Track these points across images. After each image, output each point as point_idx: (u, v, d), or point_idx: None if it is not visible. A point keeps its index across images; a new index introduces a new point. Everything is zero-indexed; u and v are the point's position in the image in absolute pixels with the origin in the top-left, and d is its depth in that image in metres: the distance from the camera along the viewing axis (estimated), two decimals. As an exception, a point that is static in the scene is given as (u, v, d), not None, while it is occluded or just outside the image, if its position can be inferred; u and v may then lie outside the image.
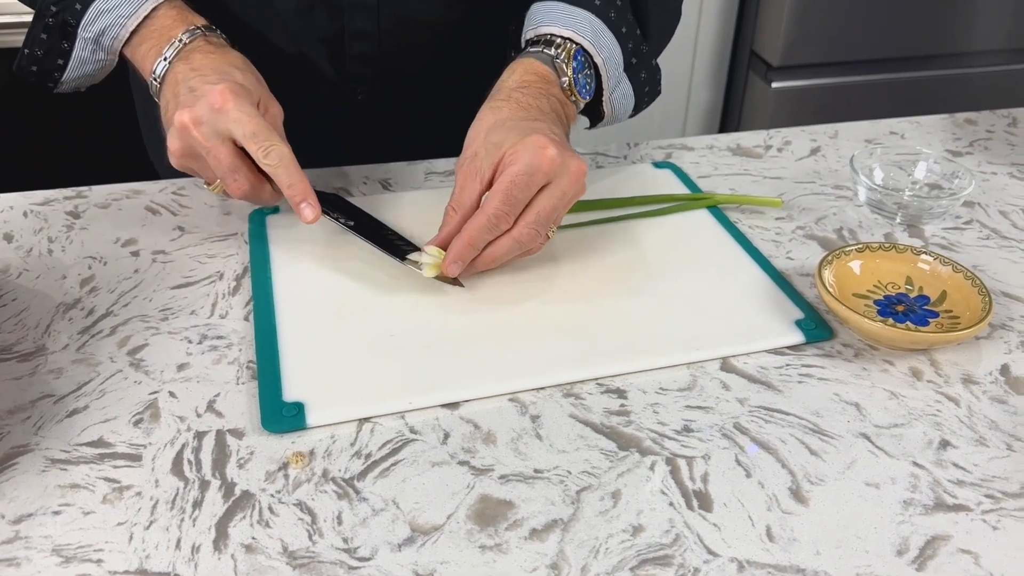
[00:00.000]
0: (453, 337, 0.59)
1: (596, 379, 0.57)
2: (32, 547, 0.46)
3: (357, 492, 0.49)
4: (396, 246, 0.66)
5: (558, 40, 0.68)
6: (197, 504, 0.48)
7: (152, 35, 0.67)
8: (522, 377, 0.56)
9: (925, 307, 0.62)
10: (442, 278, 0.62)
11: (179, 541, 0.46)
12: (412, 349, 0.58)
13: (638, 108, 0.78)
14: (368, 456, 0.51)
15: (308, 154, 0.83)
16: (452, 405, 0.55)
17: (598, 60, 0.69)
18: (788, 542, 0.47)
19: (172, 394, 0.55)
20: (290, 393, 0.54)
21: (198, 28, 0.67)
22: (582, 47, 0.69)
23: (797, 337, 0.60)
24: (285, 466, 0.50)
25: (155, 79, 0.66)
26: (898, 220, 0.75)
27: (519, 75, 0.68)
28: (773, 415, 0.55)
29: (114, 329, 0.61)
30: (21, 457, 0.51)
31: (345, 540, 0.46)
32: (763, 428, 0.54)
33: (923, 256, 0.65)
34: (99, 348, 0.59)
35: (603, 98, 0.72)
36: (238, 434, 0.52)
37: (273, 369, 0.56)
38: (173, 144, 0.63)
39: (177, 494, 0.49)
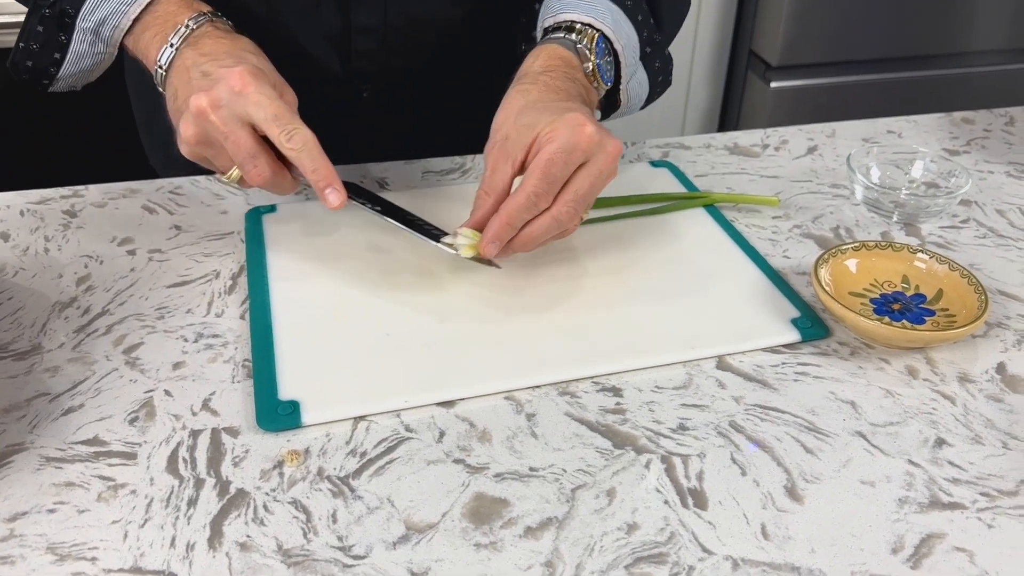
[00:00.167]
0: (449, 336, 0.59)
1: (592, 377, 0.57)
2: (27, 545, 0.46)
3: (352, 490, 0.49)
4: (426, 230, 0.65)
5: (579, 26, 0.68)
6: (192, 502, 0.48)
7: (156, 22, 0.65)
8: (518, 375, 0.56)
9: (921, 305, 0.62)
10: (478, 259, 0.61)
11: (174, 539, 0.46)
12: (408, 348, 0.58)
13: (650, 98, 0.77)
14: (363, 454, 0.51)
15: (350, 147, 0.83)
16: (448, 403, 0.55)
17: (618, 47, 0.69)
18: (783, 540, 0.47)
19: (167, 392, 0.55)
20: (285, 391, 0.54)
21: (204, 14, 0.64)
22: (603, 33, 0.68)
23: (793, 335, 0.60)
24: (280, 464, 0.50)
25: (160, 67, 0.63)
26: (895, 219, 0.75)
27: (543, 60, 0.67)
28: (769, 413, 0.55)
29: (110, 328, 0.61)
30: (16, 455, 0.51)
31: (340, 538, 0.46)
32: (759, 426, 0.53)
33: (919, 255, 0.65)
34: (95, 347, 0.59)
35: (620, 86, 0.71)
36: (233, 432, 0.52)
37: (268, 367, 0.56)
38: (187, 130, 0.60)
39: (172, 492, 0.49)
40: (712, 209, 0.74)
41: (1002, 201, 0.79)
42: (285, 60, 0.66)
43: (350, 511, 0.48)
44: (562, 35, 0.68)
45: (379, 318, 0.61)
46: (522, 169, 0.60)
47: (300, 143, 0.59)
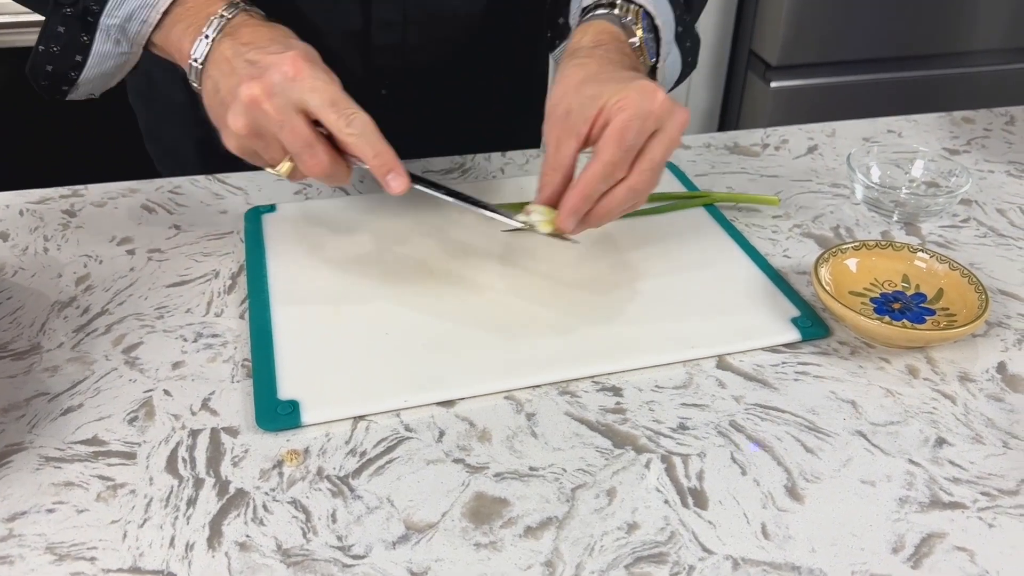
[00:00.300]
0: (449, 335, 0.59)
1: (592, 377, 0.57)
2: (25, 545, 0.45)
3: (352, 490, 0.49)
4: (495, 210, 0.63)
5: (619, 2, 0.67)
6: (191, 502, 0.48)
7: (186, 15, 0.61)
8: (518, 375, 0.56)
9: (922, 305, 0.62)
10: (555, 234, 0.60)
11: (173, 539, 0.46)
12: (408, 347, 0.58)
13: (679, 79, 0.77)
14: (363, 454, 0.51)
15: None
16: (447, 403, 0.55)
17: (659, 23, 0.68)
18: (783, 540, 0.46)
19: (167, 392, 0.55)
20: (285, 391, 0.54)
21: (236, 3, 0.61)
22: (645, 9, 0.67)
23: (793, 335, 0.60)
24: (279, 464, 0.50)
25: (195, 61, 0.60)
26: (895, 218, 0.74)
27: (592, 35, 0.66)
28: (769, 413, 0.54)
29: (109, 327, 0.61)
30: (15, 455, 0.51)
31: (339, 538, 0.46)
32: (759, 426, 0.53)
33: (919, 254, 0.64)
34: (94, 346, 0.59)
35: (658, 64, 0.71)
36: (233, 432, 0.52)
37: (268, 367, 0.56)
38: (237, 122, 0.56)
39: (171, 492, 0.49)
40: (712, 208, 0.74)
41: (1002, 200, 0.78)
42: None
43: (350, 511, 0.48)
44: (606, 11, 0.67)
45: (379, 318, 0.61)
46: (586, 143, 0.59)
47: (360, 127, 0.56)
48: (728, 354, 0.59)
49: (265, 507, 0.48)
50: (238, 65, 0.58)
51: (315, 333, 0.59)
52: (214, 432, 0.52)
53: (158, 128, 0.92)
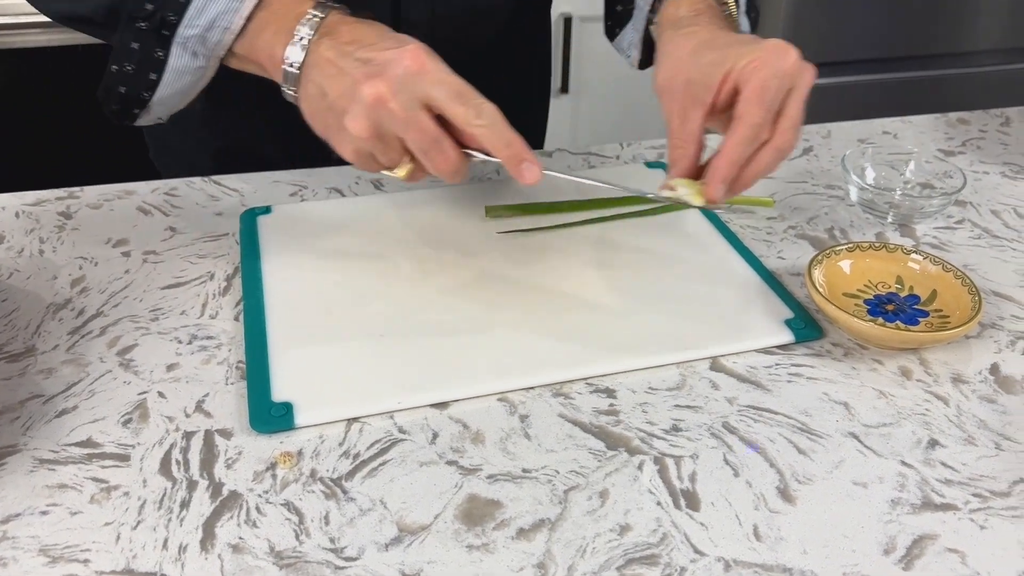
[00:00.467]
0: (443, 337, 0.59)
1: (585, 379, 0.57)
2: (19, 547, 0.46)
3: (345, 492, 0.49)
4: (633, 190, 0.62)
5: None
6: (185, 504, 0.48)
7: (274, 19, 0.58)
8: (512, 377, 0.56)
9: (915, 306, 0.62)
10: (705, 206, 0.59)
11: (166, 541, 0.46)
12: (402, 349, 0.58)
13: None
14: (356, 456, 0.51)
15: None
16: (441, 405, 0.55)
17: None
18: (775, 541, 0.47)
19: (161, 394, 0.55)
20: (279, 393, 0.54)
21: (322, 2, 0.58)
22: None
23: (787, 336, 0.60)
24: (273, 466, 0.50)
25: (291, 66, 0.57)
26: (889, 219, 0.75)
27: (687, 6, 0.65)
28: (762, 414, 0.55)
29: (104, 329, 0.61)
30: (9, 457, 0.51)
31: (332, 540, 0.46)
32: (751, 427, 0.54)
33: (913, 255, 0.65)
34: (89, 348, 0.59)
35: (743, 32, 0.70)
36: (226, 434, 0.52)
37: (262, 369, 0.56)
38: (358, 125, 0.54)
39: (165, 494, 0.49)
40: (706, 210, 0.74)
41: (997, 202, 0.79)
42: None
43: (342, 513, 0.48)
44: None
45: (373, 319, 0.61)
46: (712, 110, 0.58)
47: (490, 117, 0.53)
48: (722, 355, 0.59)
49: (258, 509, 0.48)
50: (347, 65, 0.55)
51: (309, 335, 0.59)
52: (208, 434, 0.52)
53: (170, 138, 0.90)
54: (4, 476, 0.50)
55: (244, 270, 0.65)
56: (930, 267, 0.64)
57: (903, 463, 0.51)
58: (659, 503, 0.49)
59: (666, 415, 0.54)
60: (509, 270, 0.66)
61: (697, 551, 0.46)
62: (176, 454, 0.51)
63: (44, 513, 0.48)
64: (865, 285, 0.64)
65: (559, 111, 1.83)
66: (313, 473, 0.50)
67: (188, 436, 0.52)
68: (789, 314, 0.62)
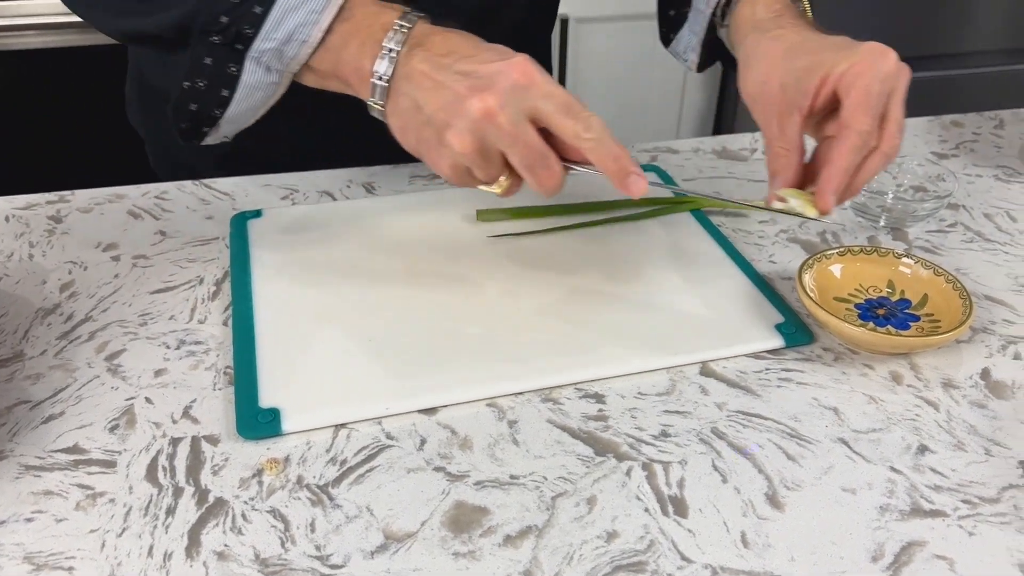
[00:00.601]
0: (432, 342, 0.59)
1: (575, 384, 0.57)
2: (4, 555, 0.45)
3: (331, 499, 0.49)
4: (743, 202, 0.63)
5: None
6: (170, 511, 0.48)
7: (358, 31, 0.56)
8: (500, 382, 0.56)
9: (906, 311, 0.62)
10: (821, 217, 0.58)
11: (151, 548, 0.46)
12: (391, 354, 0.58)
13: None
14: (343, 462, 0.51)
15: (333, 152, 0.81)
16: (430, 410, 0.55)
17: None
18: (763, 548, 0.46)
19: (148, 400, 0.55)
20: (266, 399, 0.54)
21: (408, 12, 0.56)
22: None
23: (777, 341, 0.60)
24: (259, 473, 0.50)
25: (380, 79, 0.55)
26: (882, 223, 0.74)
27: (764, 6, 0.64)
28: (751, 420, 0.54)
29: (92, 334, 0.60)
30: (-5, 464, 0.51)
31: (318, 547, 0.46)
32: (741, 433, 0.53)
33: (904, 260, 0.64)
34: (77, 354, 0.59)
35: None
36: (213, 440, 0.52)
37: (250, 375, 0.56)
38: (463, 140, 0.52)
39: (151, 501, 0.49)
40: (699, 214, 0.74)
41: (990, 205, 0.78)
42: None
43: (328, 520, 0.47)
44: None
45: (362, 325, 0.60)
46: (809, 115, 0.58)
47: (598, 131, 0.52)
48: (712, 360, 0.59)
49: (244, 516, 0.48)
50: (447, 78, 0.53)
51: (298, 340, 0.59)
52: (195, 440, 0.52)
53: (174, 146, 0.90)
54: (-11, 483, 0.49)
55: (233, 274, 0.65)
56: (921, 271, 0.64)
57: (892, 469, 0.51)
58: (647, 509, 0.48)
59: (655, 421, 0.54)
60: (499, 274, 0.66)
61: (684, 558, 0.46)
62: (163, 460, 0.51)
63: (29, 520, 0.47)
64: (856, 289, 0.64)
65: (555, 113, 1.83)
66: (300, 480, 0.50)
67: (175, 442, 0.52)
68: (780, 319, 0.62)
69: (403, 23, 0.55)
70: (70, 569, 0.45)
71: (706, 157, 0.85)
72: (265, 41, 0.57)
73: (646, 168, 0.82)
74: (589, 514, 0.48)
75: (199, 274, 0.67)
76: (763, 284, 0.65)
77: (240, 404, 0.54)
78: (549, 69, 0.99)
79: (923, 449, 0.53)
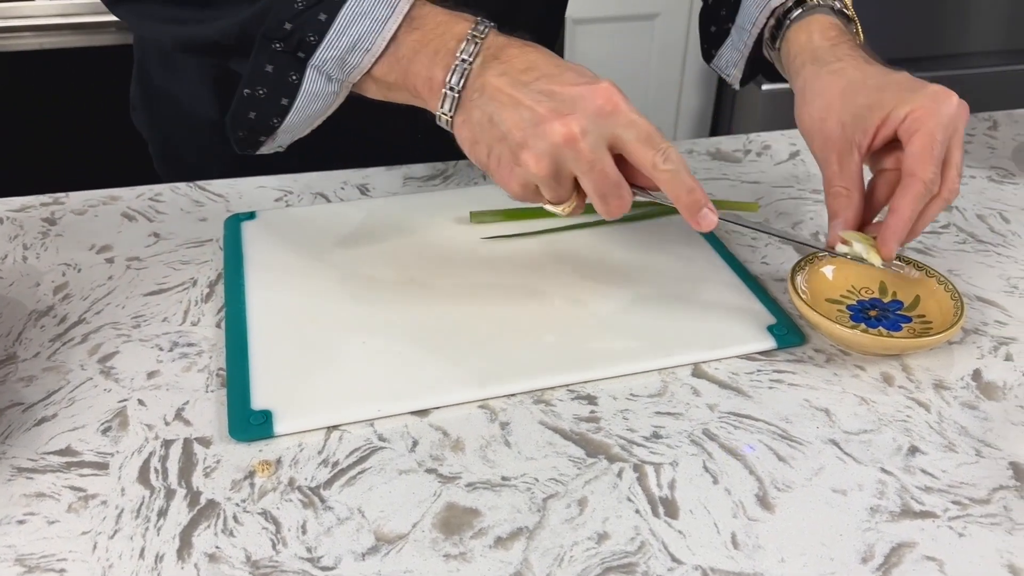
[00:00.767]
0: (425, 344, 0.59)
1: (567, 385, 0.57)
2: (-5, 557, 0.46)
3: (323, 501, 0.49)
4: (806, 242, 0.63)
5: None
6: (162, 513, 0.48)
7: (429, 41, 0.55)
8: (493, 384, 0.56)
9: (898, 312, 0.62)
10: (883, 264, 0.59)
11: (143, 550, 0.46)
12: (383, 356, 0.58)
13: None
14: (335, 464, 0.51)
15: (328, 154, 0.81)
16: (421, 412, 0.55)
17: (851, 12, 0.67)
18: (753, 549, 0.46)
19: (141, 402, 0.55)
20: (258, 401, 0.54)
21: (480, 21, 0.55)
22: None
23: (769, 343, 0.60)
24: (251, 475, 0.50)
25: (451, 89, 0.54)
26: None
27: (819, 34, 0.64)
28: (742, 421, 0.54)
29: (86, 336, 0.61)
30: (-13, 466, 0.51)
31: (309, 549, 0.46)
32: (732, 434, 0.53)
33: (896, 261, 0.64)
34: (70, 356, 0.59)
35: None
36: (205, 442, 0.52)
37: (242, 377, 0.56)
38: (539, 164, 0.51)
39: (143, 503, 0.49)
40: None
41: (983, 206, 0.79)
42: None
43: (320, 522, 0.48)
44: (817, 1, 0.65)
45: (355, 327, 0.61)
46: (868, 151, 0.59)
47: (676, 163, 0.52)
48: (704, 362, 0.59)
49: (235, 518, 0.48)
50: (526, 97, 0.51)
51: (291, 342, 0.59)
52: (187, 442, 0.52)
53: (181, 149, 0.90)
54: (-19, 485, 0.50)
55: (227, 276, 0.65)
56: (913, 273, 0.64)
57: (883, 470, 0.51)
58: (638, 511, 0.49)
59: (647, 422, 0.54)
60: (493, 276, 0.66)
61: (675, 559, 0.46)
62: (155, 462, 0.51)
63: (21, 522, 0.47)
64: (848, 291, 0.64)
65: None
66: (291, 482, 0.50)
67: (167, 444, 0.52)
68: (772, 320, 0.62)
69: (476, 33, 0.54)
70: (62, 571, 0.45)
71: (700, 159, 0.85)
72: (328, 49, 0.56)
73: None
74: (580, 515, 0.48)
75: (193, 276, 0.67)
76: (755, 285, 0.66)
77: (232, 406, 0.54)
78: None
79: (914, 450, 0.53)
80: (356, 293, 0.64)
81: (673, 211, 0.75)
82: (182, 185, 0.79)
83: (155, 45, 0.85)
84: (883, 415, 0.55)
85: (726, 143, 0.88)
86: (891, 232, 0.57)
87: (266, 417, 0.53)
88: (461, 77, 0.53)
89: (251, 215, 0.73)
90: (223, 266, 0.67)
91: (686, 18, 1.89)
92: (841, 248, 0.60)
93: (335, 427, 0.53)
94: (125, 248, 0.70)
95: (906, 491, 0.50)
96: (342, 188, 0.79)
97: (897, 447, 0.53)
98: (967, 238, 0.74)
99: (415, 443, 0.53)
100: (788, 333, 0.61)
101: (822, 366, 0.59)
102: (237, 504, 0.49)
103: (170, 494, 0.49)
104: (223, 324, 0.61)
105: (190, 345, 0.60)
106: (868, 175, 0.62)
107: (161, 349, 0.59)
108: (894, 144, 0.59)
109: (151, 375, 0.57)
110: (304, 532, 0.47)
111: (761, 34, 0.70)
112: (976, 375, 0.59)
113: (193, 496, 0.49)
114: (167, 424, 0.54)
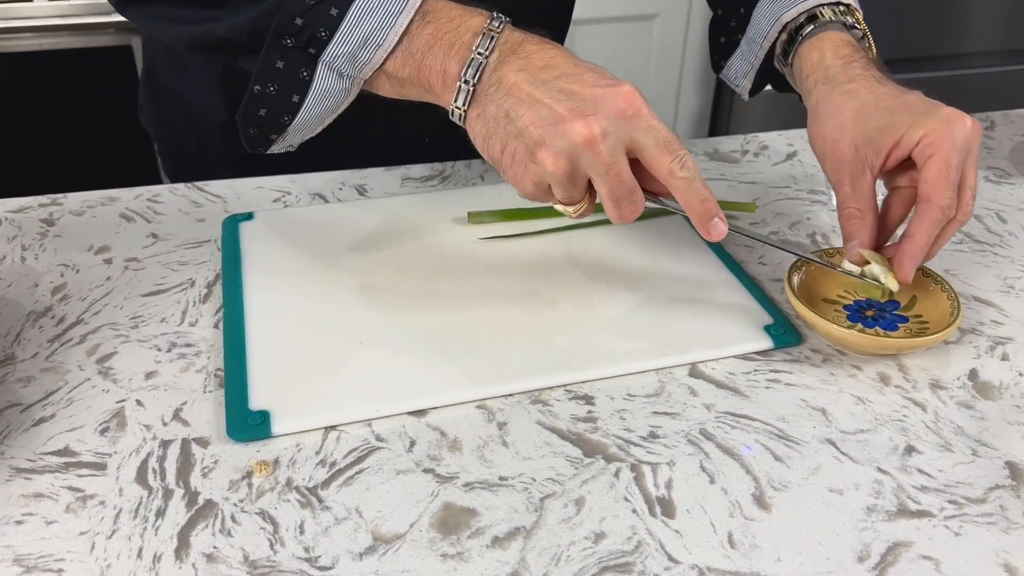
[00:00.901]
0: (422, 344, 0.59)
1: (564, 385, 0.57)
2: (-7, 557, 0.46)
3: (320, 501, 0.49)
4: (822, 261, 0.63)
5: (841, 7, 0.65)
6: (160, 513, 0.48)
7: (443, 35, 0.54)
8: (490, 384, 0.56)
9: (895, 312, 0.62)
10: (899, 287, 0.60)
11: (141, 550, 0.46)
12: (381, 357, 0.58)
13: None
14: (333, 464, 0.51)
15: (326, 154, 0.81)
16: (419, 412, 0.55)
17: (863, 27, 0.67)
18: (749, 548, 0.47)
19: (139, 402, 0.55)
20: (256, 401, 0.54)
21: (496, 16, 0.54)
22: (853, 6, 0.66)
23: (766, 343, 0.60)
24: (249, 475, 0.50)
25: (466, 83, 0.53)
26: (872, 224, 0.75)
27: (833, 53, 0.64)
28: (739, 421, 0.55)
29: (84, 337, 0.61)
30: (-15, 467, 0.51)
31: (306, 549, 0.46)
32: (729, 434, 0.54)
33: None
34: (68, 356, 0.59)
35: None
36: (203, 443, 0.52)
37: (240, 377, 0.56)
38: (556, 163, 0.51)
39: (140, 503, 0.49)
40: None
41: (980, 207, 0.79)
42: None
43: (317, 522, 0.48)
44: (828, 19, 0.65)
45: (353, 327, 0.61)
46: (881, 171, 0.59)
47: (692, 171, 0.52)
48: (701, 362, 0.59)
49: (233, 518, 0.48)
50: (545, 95, 0.51)
51: (288, 342, 0.59)
52: (185, 443, 0.52)
53: (189, 149, 0.90)
54: (-20, 485, 0.50)
55: (225, 277, 0.65)
56: (910, 273, 0.64)
57: (879, 470, 0.51)
58: (635, 511, 0.49)
59: (644, 422, 0.54)
60: (490, 276, 0.66)
61: (671, 559, 0.46)
62: (153, 463, 0.51)
63: (19, 523, 0.47)
64: (845, 291, 0.64)
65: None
66: (289, 482, 0.50)
67: (165, 445, 0.52)
68: (769, 320, 0.62)
69: (491, 27, 0.53)
70: (60, 571, 0.45)
71: (698, 159, 0.86)
72: (340, 45, 0.55)
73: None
74: (577, 515, 0.48)
75: (191, 277, 0.67)
76: (753, 286, 0.66)
77: (230, 406, 0.54)
78: None
79: (910, 450, 0.53)
80: (354, 293, 0.64)
81: (673, 212, 0.75)
82: (180, 186, 0.79)
83: (164, 46, 0.85)
84: (880, 415, 0.55)
85: (724, 143, 0.88)
86: (908, 257, 0.58)
87: (264, 417, 0.53)
88: (477, 71, 0.53)
89: (249, 216, 0.73)
90: (221, 267, 0.67)
91: (685, 19, 1.90)
92: (850, 267, 0.61)
93: (333, 427, 0.54)
94: (123, 249, 0.70)
95: (902, 490, 0.50)
96: (340, 189, 0.79)
97: (893, 447, 0.53)
98: (964, 238, 0.74)
99: (413, 443, 0.53)
100: (785, 333, 0.61)
101: (819, 366, 0.59)
102: (235, 504, 0.49)
103: (168, 494, 0.49)
104: (221, 325, 0.62)
105: (188, 346, 0.60)
106: (882, 190, 0.62)
107: (159, 350, 0.60)
108: (908, 163, 0.60)
109: (149, 375, 0.57)
110: (302, 532, 0.47)
111: (772, 48, 0.70)
112: (972, 375, 0.59)
113: (191, 496, 0.49)
114: (165, 424, 0.54)
